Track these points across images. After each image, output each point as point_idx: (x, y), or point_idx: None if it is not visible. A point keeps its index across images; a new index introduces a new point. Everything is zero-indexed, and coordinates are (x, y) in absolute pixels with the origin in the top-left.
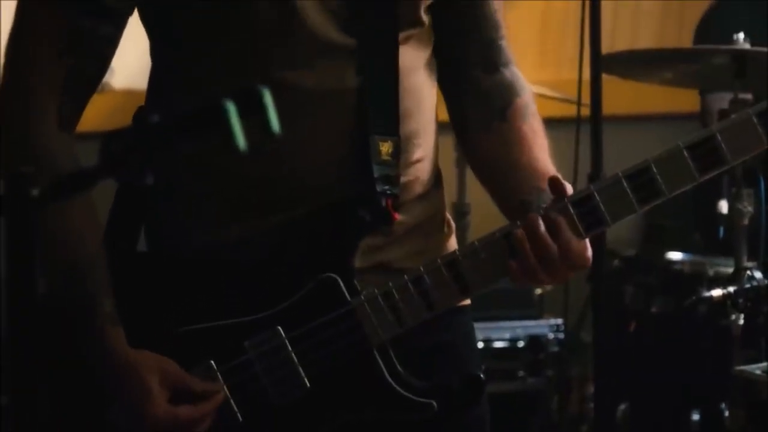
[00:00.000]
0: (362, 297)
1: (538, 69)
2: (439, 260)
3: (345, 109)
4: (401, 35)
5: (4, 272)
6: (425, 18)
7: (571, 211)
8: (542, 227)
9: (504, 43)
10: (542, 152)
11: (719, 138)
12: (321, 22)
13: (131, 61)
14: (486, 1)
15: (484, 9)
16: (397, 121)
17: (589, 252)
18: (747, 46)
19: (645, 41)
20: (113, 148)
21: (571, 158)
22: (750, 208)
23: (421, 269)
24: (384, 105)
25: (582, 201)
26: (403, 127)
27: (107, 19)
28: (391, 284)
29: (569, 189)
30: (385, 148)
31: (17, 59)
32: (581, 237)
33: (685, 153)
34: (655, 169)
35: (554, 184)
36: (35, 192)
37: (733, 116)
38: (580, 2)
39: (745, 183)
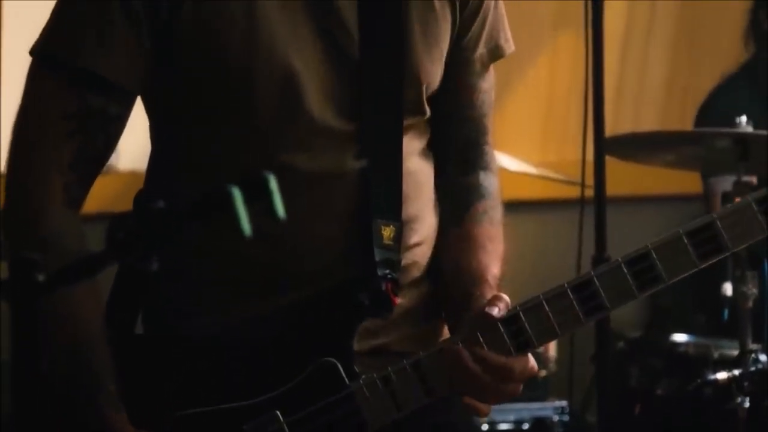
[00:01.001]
0: (361, 381)
1: (542, 150)
2: (439, 344)
3: (346, 192)
4: (404, 122)
5: (9, 356)
6: (427, 108)
7: (501, 329)
8: (466, 359)
9: (488, 148)
10: (487, 257)
11: (719, 225)
12: (321, 108)
13: (136, 142)
14: (475, 106)
15: (473, 111)
16: (399, 205)
17: (531, 364)
18: (749, 129)
19: (648, 123)
20: (119, 235)
21: (574, 240)
22: (754, 291)
23: (421, 354)
24: (387, 189)
25: (582, 286)
26: (402, 211)
27: (116, 99)
28: (390, 369)
29: (497, 311)
30: (387, 232)
31: (25, 138)
32: (580, 323)
33: (685, 239)
34: (654, 256)
35: (491, 303)
36: (41, 278)
37: (732, 203)
38: (583, 84)
39: (749, 265)
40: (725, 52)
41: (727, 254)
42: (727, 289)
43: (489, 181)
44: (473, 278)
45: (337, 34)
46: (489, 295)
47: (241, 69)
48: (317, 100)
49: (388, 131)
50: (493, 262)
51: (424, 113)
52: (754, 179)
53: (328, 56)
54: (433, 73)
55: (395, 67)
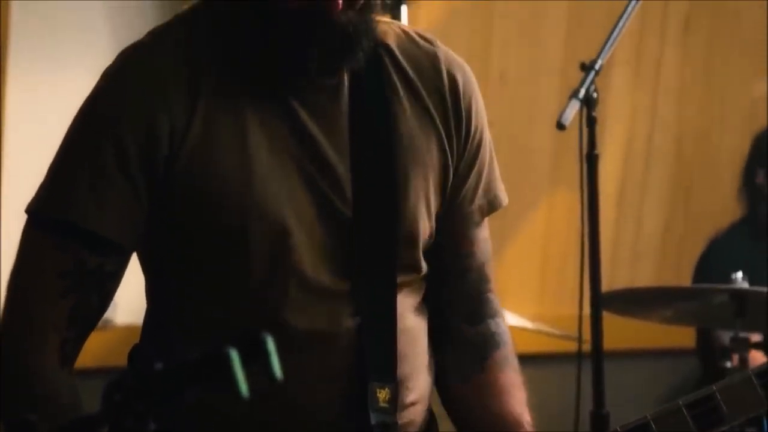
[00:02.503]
0: None
1: (538, 305)
2: None
3: (341, 352)
4: (398, 280)
5: None
6: (423, 265)
7: None
8: None
9: (491, 295)
10: (518, 405)
11: (719, 397)
12: (315, 267)
13: (134, 296)
14: (474, 256)
15: (473, 261)
16: (394, 366)
17: None
18: (745, 285)
19: (644, 276)
20: (116, 396)
21: (572, 395)
22: None
23: None
24: (382, 349)
25: None
26: (398, 370)
27: (111, 256)
28: None
29: None
30: (383, 395)
31: (20, 296)
32: None
33: (685, 411)
34: (654, 427)
35: None
36: None
37: (732, 375)
38: (579, 239)
39: (748, 423)
40: (719, 205)
41: (728, 426)
42: None
43: (501, 328)
44: (511, 424)
45: (331, 192)
46: None
47: (236, 228)
48: (311, 259)
49: (383, 290)
50: (524, 409)
51: (420, 270)
52: (754, 336)
53: (321, 214)
54: (428, 230)
55: (389, 225)
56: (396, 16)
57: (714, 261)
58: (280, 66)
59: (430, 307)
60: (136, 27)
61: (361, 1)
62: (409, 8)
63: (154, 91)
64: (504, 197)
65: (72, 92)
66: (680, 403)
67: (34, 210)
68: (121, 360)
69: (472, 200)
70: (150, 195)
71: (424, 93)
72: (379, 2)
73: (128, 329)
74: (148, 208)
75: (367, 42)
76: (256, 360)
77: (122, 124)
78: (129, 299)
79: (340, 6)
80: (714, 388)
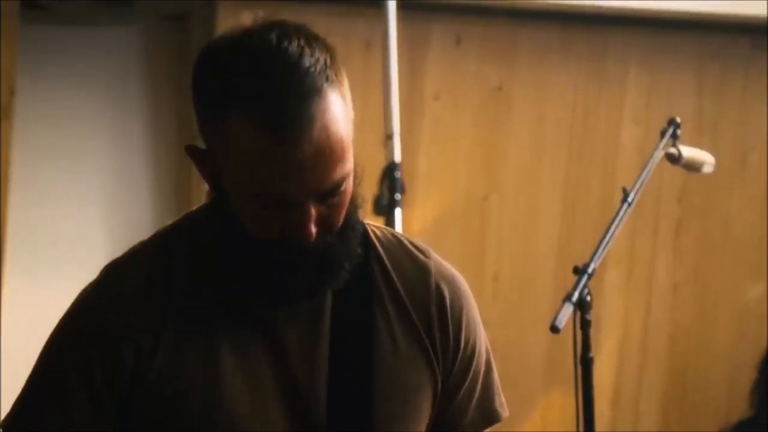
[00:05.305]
0: None
1: None
2: None
3: None
4: None
5: None
6: None
7: None
8: None
9: None
10: None
11: None
12: None
13: None
14: None
15: None
16: None
17: None
18: None
19: None
20: None
21: None
22: None
23: None
24: None
25: None
26: None
27: None
28: None
29: None
30: None
31: None
32: None
33: None
34: None
35: None
36: None
37: None
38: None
39: None
40: (715, 403)
41: None
42: None
43: None
44: None
45: (304, 409)
46: None
47: None
48: None
49: None
50: None
51: None
52: None
53: (292, 428)
54: None
55: None
56: (390, 219)
57: None
58: (258, 294)
59: None
60: (133, 227)
61: (339, 224)
62: (403, 211)
63: (121, 312)
64: (503, 411)
65: (70, 298)
66: None
67: (4, 428)
68: None
69: (464, 414)
70: (117, 411)
71: (411, 308)
72: (359, 226)
73: None
74: (115, 423)
75: (349, 263)
76: None
77: (88, 345)
78: None
79: (313, 236)
80: None
